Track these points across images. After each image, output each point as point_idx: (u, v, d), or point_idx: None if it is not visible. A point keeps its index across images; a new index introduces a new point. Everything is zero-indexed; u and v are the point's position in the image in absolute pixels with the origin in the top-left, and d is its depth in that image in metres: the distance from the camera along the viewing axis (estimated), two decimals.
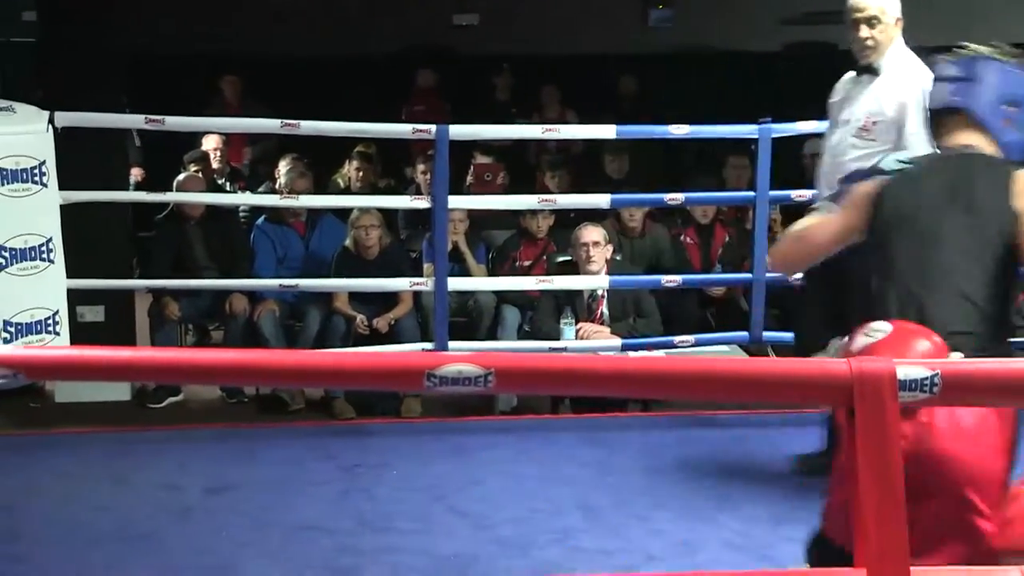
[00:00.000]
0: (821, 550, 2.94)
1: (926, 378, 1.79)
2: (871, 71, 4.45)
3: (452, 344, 5.60)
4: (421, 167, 6.89)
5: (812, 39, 10.07)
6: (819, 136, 7.18)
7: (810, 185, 6.16)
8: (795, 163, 6.55)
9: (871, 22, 4.40)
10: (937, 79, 2.92)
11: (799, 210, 6.37)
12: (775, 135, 5.45)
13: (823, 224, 2.95)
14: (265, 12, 8.30)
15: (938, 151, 2.97)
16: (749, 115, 5.60)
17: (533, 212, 6.28)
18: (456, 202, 5.74)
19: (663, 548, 4.14)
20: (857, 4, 4.42)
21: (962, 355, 2.32)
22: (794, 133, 5.47)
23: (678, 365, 2.07)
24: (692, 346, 5.65)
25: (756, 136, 5.52)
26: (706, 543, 4.20)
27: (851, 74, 4.55)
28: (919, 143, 3.99)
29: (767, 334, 5.64)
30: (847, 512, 1.90)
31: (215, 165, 7.79)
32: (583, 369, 1.84)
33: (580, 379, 1.83)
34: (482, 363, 1.80)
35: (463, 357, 1.79)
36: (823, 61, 5.48)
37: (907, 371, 1.79)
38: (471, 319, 6.32)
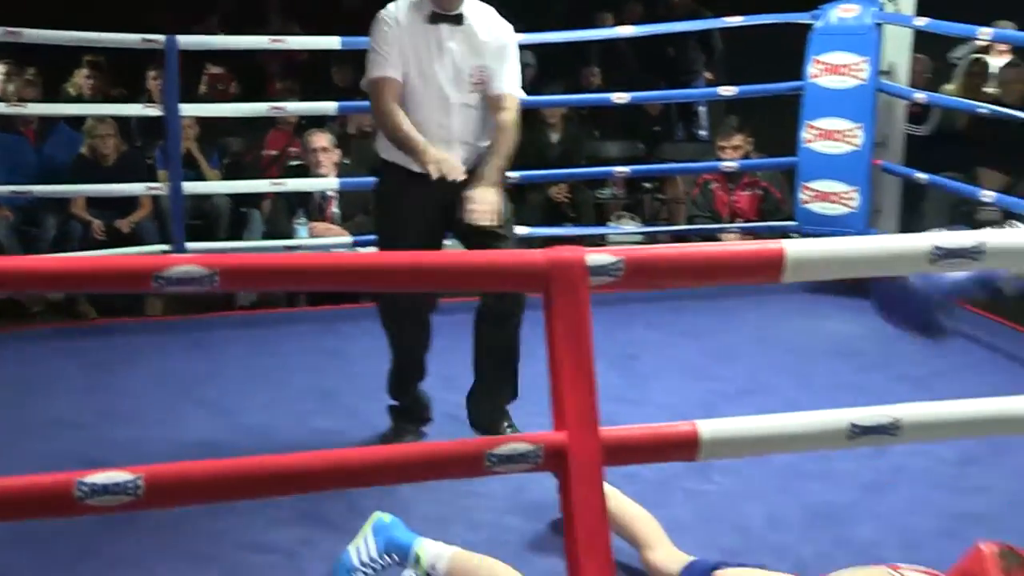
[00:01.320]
0: None
1: (612, 263, 1.85)
2: (456, 19, 3.73)
3: (191, 245, 5.44)
4: (152, 74, 6.61)
5: None
6: (526, 48, 7.31)
7: None
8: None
9: None
10: None
11: None
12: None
13: None
14: None
15: None
16: None
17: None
18: (187, 110, 5.52)
19: (390, 423, 4.19)
20: None
21: None
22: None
23: (387, 259, 2.07)
24: None
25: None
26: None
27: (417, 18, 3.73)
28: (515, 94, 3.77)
29: None
30: None
31: None
32: (300, 265, 1.82)
33: (298, 275, 1.81)
34: (207, 263, 1.75)
35: (189, 258, 1.74)
36: None
37: (595, 258, 1.85)
38: (208, 221, 6.16)
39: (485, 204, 3.53)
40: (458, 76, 3.75)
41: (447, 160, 3.58)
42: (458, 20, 3.75)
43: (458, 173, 3.57)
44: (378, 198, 3.97)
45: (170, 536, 3.32)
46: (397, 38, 3.70)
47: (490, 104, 3.79)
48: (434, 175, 3.53)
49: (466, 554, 2.91)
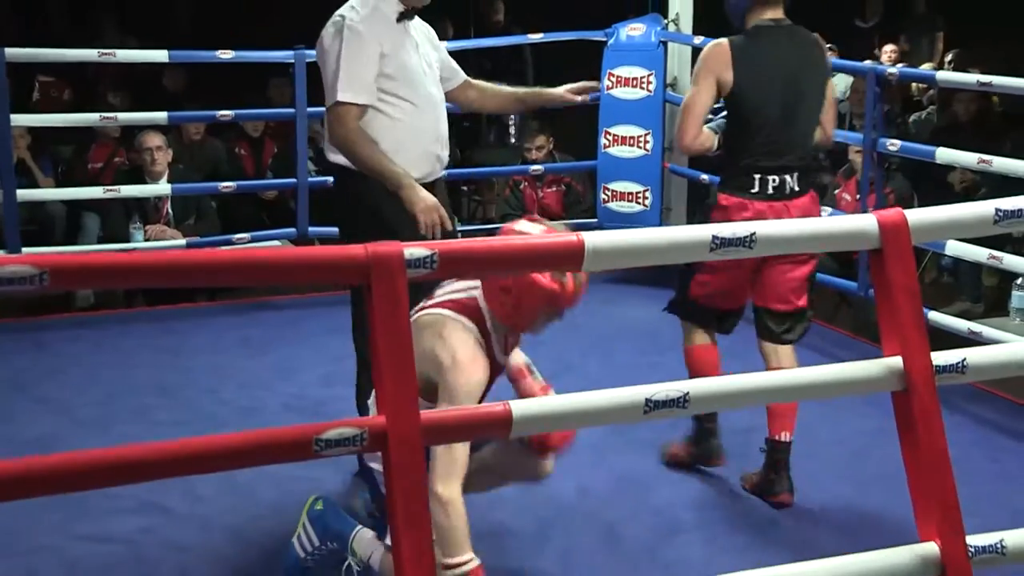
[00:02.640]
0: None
1: (427, 256, 1.84)
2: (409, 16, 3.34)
3: (26, 250, 5.15)
4: None
5: None
6: None
7: None
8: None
9: None
10: None
11: None
12: (309, 59, 5.38)
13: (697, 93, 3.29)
14: None
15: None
16: (288, 42, 5.49)
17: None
18: (18, 120, 5.24)
19: (228, 414, 4.08)
20: None
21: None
22: None
23: (212, 255, 2.00)
24: (248, 242, 5.54)
25: (293, 60, 5.42)
26: (265, 407, 4.18)
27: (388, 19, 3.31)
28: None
29: (313, 229, 5.62)
30: None
31: None
32: (128, 263, 1.74)
33: (126, 272, 1.72)
34: (36, 263, 1.65)
35: (17, 258, 1.63)
36: None
37: (411, 251, 1.83)
38: (43, 227, 5.87)
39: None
40: (433, 74, 3.36)
41: (437, 209, 3.17)
42: (411, 15, 3.31)
43: (448, 224, 3.21)
44: (359, 211, 3.29)
45: (7, 531, 3.14)
46: (374, 52, 3.18)
47: (463, 89, 3.55)
48: (425, 231, 3.12)
49: None
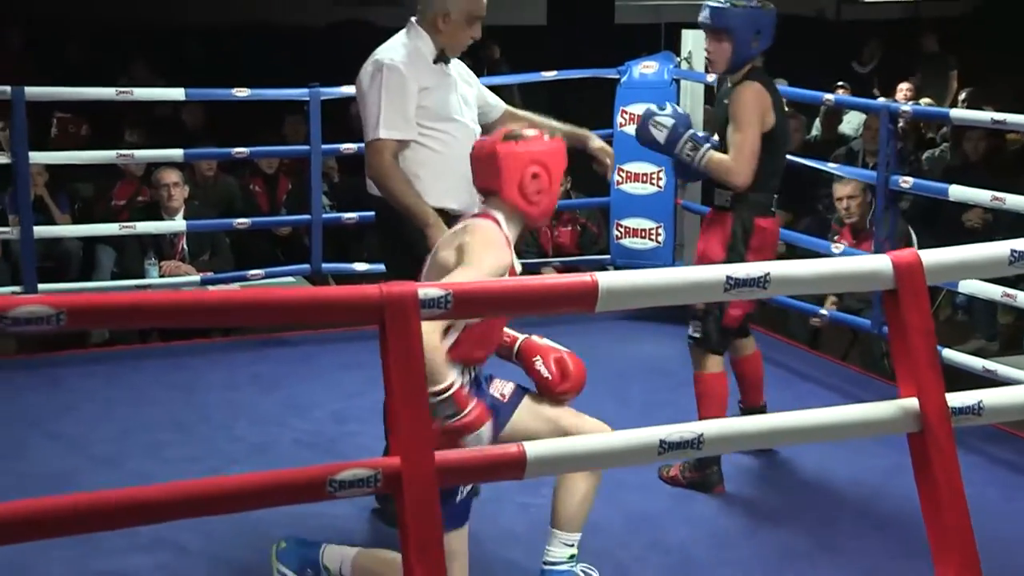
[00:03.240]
0: None
1: (441, 296, 1.84)
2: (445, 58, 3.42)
3: (43, 287, 5.19)
4: (0, 124, 6.32)
5: (353, 18, 10.11)
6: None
7: (356, 139, 6.14)
8: (342, 120, 6.55)
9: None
10: None
11: (350, 160, 6.40)
12: (324, 97, 5.42)
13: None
14: None
15: None
16: (302, 80, 5.53)
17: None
18: (36, 157, 5.29)
19: (241, 450, 4.08)
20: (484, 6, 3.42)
21: None
22: (340, 95, 5.44)
23: (227, 295, 2.01)
24: (263, 279, 5.56)
25: (308, 98, 5.47)
26: (278, 443, 4.18)
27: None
28: None
29: (327, 265, 5.64)
30: None
31: None
32: (143, 303, 1.75)
33: (144, 312, 1.73)
34: (54, 303, 1.66)
35: (35, 299, 1.64)
36: (363, 37, 5.47)
37: (426, 292, 1.83)
38: (59, 263, 5.90)
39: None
40: (471, 111, 3.45)
41: None
42: (447, 58, 3.41)
43: None
44: (396, 245, 3.36)
45: (20, 566, 3.14)
46: (414, 91, 3.27)
47: (504, 120, 3.51)
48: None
49: (366, 552, 2.82)
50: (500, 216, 2.76)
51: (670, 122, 3.65)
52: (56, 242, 5.92)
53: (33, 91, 5.07)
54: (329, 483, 1.79)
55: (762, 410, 3.96)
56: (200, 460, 3.95)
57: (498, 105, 3.62)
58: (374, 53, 3.37)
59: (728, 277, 1.99)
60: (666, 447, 1.99)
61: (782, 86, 5.43)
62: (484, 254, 2.62)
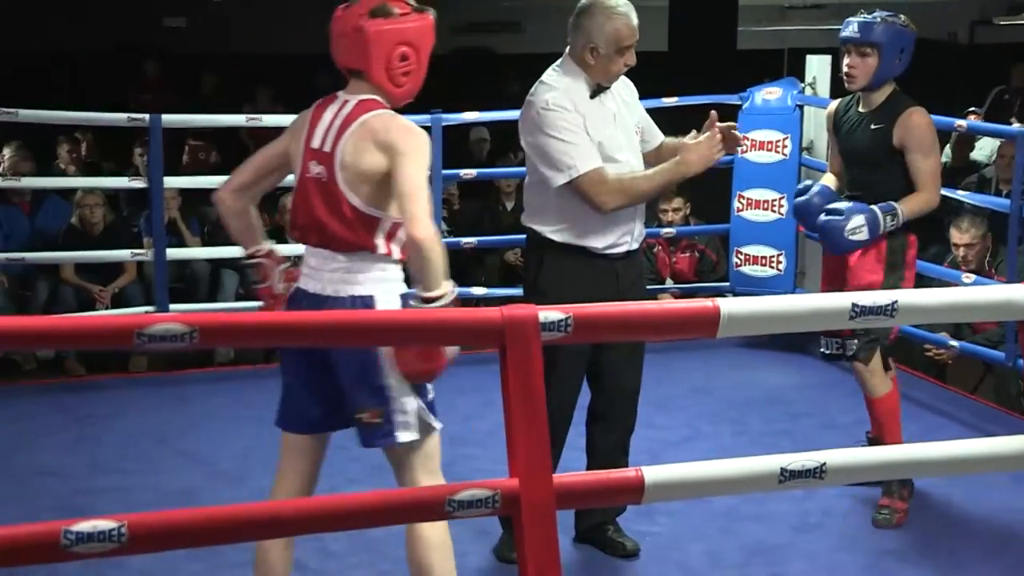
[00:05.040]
0: None
1: (561, 320, 1.85)
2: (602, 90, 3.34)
3: (173, 307, 5.38)
4: (138, 151, 6.60)
5: (476, 45, 10.25)
6: (481, 125, 7.36)
7: (476, 164, 6.24)
8: (462, 146, 6.64)
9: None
10: None
11: (470, 186, 6.49)
12: (445, 123, 5.51)
13: None
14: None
15: None
16: (423, 107, 5.63)
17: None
18: (170, 182, 5.51)
19: (359, 471, 4.14)
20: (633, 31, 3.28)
21: None
22: (461, 122, 5.52)
23: (351, 316, 2.06)
24: None
25: (430, 124, 5.56)
26: None
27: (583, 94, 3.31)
28: None
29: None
30: None
31: None
32: (271, 323, 1.81)
33: (272, 332, 1.79)
34: (187, 321, 1.73)
35: (169, 317, 1.72)
36: (483, 63, 5.56)
37: (546, 315, 1.85)
38: (188, 285, 6.12)
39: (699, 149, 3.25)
40: (631, 142, 3.37)
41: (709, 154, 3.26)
42: (602, 89, 3.33)
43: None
44: (549, 283, 3.34)
45: None
46: (582, 125, 3.24)
47: (658, 153, 3.44)
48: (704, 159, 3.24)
49: None
50: (380, 99, 2.62)
51: (861, 220, 3.56)
52: (186, 264, 6.13)
53: (169, 118, 5.29)
54: (448, 503, 1.81)
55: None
56: (319, 479, 4.03)
57: (653, 139, 3.49)
58: (533, 94, 3.29)
59: (854, 305, 1.96)
60: (787, 475, 1.96)
61: None
62: (414, 142, 2.52)
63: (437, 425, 2.68)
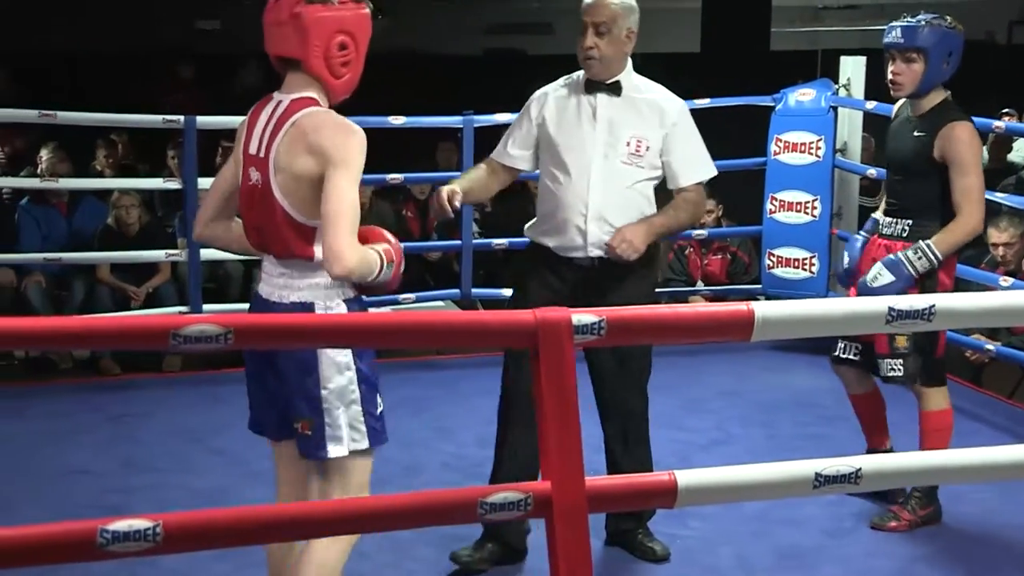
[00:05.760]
0: None
1: (595, 323, 1.84)
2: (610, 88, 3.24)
3: (206, 307, 5.42)
4: (171, 153, 6.66)
5: (506, 47, 10.25)
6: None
7: None
8: (494, 148, 6.63)
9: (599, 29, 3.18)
10: None
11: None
12: (476, 124, 5.50)
13: None
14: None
15: None
16: (455, 108, 5.64)
17: None
18: (204, 183, 5.53)
19: (391, 472, 4.13)
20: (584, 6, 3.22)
21: None
22: (492, 123, 5.52)
23: (387, 319, 2.06)
24: (414, 302, 5.67)
25: (461, 125, 5.57)
26: (426, 466, 4.24)
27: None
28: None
29: (475, 290, 5.72)
30: None
31: None
32: (309, 325, 1.81)
33: (307, 333, 1.80)
34: (222, 323, 1.73)
35: (204, 318, 1.72)
36: (515, 65, 5.56)
37: (579, 318, 1.84)
38: (221, 284, 6.16)
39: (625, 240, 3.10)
40: (604, 150, 3.23)
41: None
42: (595, 87, 3.27)
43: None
44: (513, 279, 3.52)
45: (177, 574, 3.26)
46: (530, 116, 3.33)
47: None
48: None
49: None
50: (317, 95, 2.50)
51: (879, 267, 3.45)
52: (219, 264, 6.16)
53: (204, 120, 5.33)
54: (480, 505, 1.81)
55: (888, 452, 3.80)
56: None
57: (671, 180, 3.31)
58: (661, 91, 3.29)
59: (891, 308, 1.94)
60: (822, 480, 1.95)
61: None
62: (345, 146, 2.41)
63: (365, 444, 2.56)
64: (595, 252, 3.22)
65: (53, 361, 5.69)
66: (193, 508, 1.93)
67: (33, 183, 6.09)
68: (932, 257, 3.41)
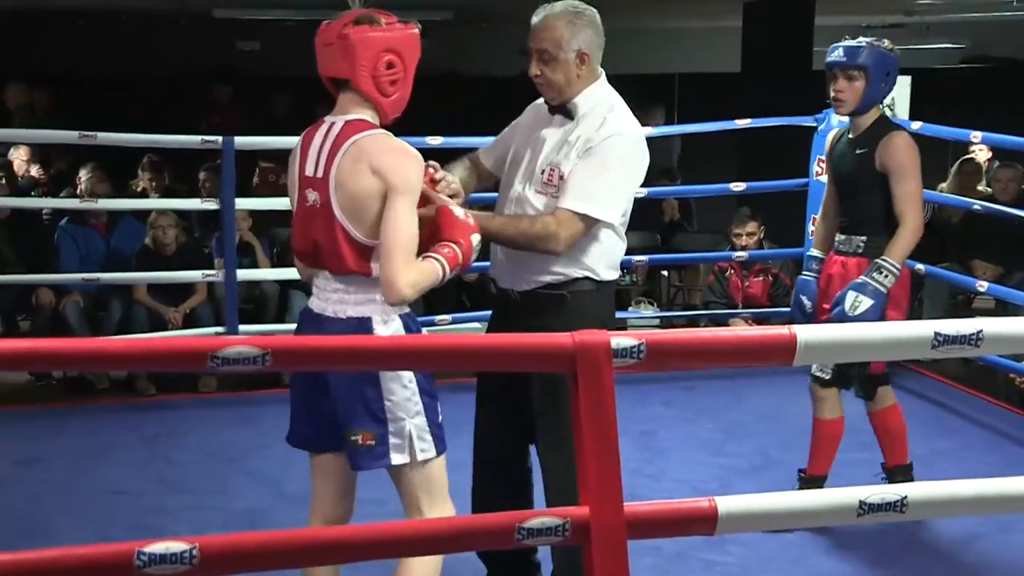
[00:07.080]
0: None
1: (634, 346, 1.84)
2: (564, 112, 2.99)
3: (242, 327, 5.46)
4: (203, 176, 6.75)
5: None
6: None
7: None
8: None
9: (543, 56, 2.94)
10: None
11: None
12: None
13: None
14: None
15: None
16: (496, 129, 5.65)
17: None
18: (241, 203, 5.60)
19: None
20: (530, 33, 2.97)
21: None
22: None
23: (424, 341, 2.07)
24: (450, 324, 5.68)
25: None
26: (461, 490, 4.22)
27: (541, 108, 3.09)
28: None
29: None
30: None
31: (20, 173, 7.34)
32: (346, 347, 1.82)
33: (344, 356, 1.81)
34: (260, 344, 1.75)
35: (243, 340, 1.74)
36: None
37: (619, 341, 1.83)
38: (257, 305, 6.20)
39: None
40: (528, 170, 3.02)
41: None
42: (553, 110, 3.03)
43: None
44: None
45: None
46: (509, 129, 3.23)
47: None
48: None
49: None
50: (368, 116, 2.55)
51: (852, 295, 3.50)
52: (255, 285, 6.21)
53: (242, 141, 5.38)
54: (518, 530, 1.80)
55: (908, 469, 3.89)
56: (385, 503, 4.02)
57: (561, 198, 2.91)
58: (606, 118, 2.93)
59: (937, 334, 1.92)
60: (866, 508, 1.93)
61: (999, 135, 5.22)
62: (404, 170, 2.45)
63: (432, 452, 2.68)
64: (505, 284, 3.06)
65: (91, 381, 5.75)
66: (228, 530, 1.95)
67: (72, 203, 6.17)
68: (894, 270, 3.56)
